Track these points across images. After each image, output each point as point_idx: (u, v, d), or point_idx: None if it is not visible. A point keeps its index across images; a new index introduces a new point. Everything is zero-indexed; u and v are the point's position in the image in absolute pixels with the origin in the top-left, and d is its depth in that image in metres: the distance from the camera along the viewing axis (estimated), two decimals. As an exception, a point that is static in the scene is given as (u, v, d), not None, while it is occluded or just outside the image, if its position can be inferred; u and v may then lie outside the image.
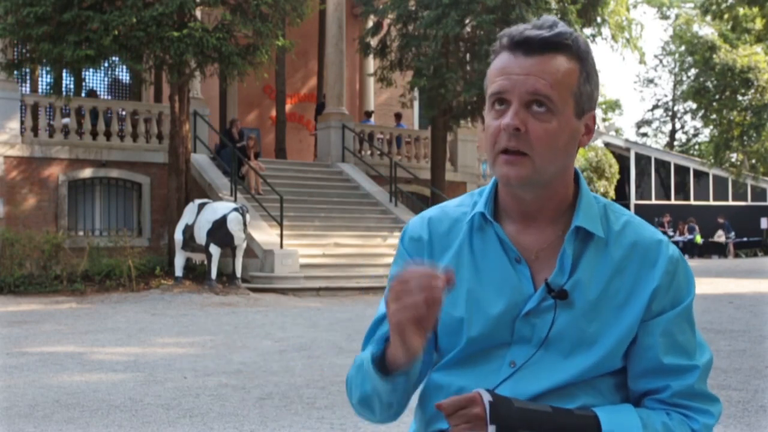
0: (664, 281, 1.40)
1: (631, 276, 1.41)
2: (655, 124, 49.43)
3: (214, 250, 13.28)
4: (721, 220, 30.43)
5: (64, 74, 16.69)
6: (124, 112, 17.18)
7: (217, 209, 13.35)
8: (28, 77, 17.38)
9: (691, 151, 45.20)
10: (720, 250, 30.27)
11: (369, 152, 19.88)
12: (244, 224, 13.27)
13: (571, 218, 1.43)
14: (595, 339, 1.39)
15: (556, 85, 1.35)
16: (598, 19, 19.48)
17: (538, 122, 1.35)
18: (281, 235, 14.07)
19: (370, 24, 19.79)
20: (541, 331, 1.40)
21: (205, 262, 13.61)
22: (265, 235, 14.53)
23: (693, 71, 32.39)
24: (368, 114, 21.99)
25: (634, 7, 38.03)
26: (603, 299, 1.39)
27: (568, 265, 1.40)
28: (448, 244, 1.50)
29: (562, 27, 1.38)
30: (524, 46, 1.37)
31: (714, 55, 28.15)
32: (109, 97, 20.68)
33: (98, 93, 19.80)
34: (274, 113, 21.42)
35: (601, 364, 1.39)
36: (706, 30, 31.67)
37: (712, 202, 32.97)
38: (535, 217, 1.44)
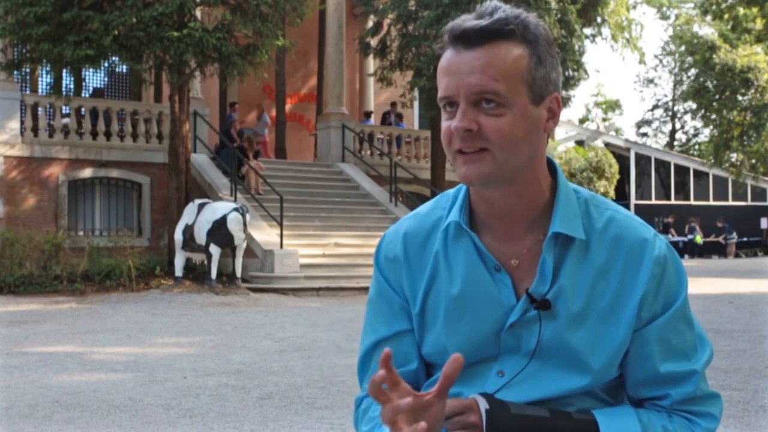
0: (651, 286, 1.33)
1: (615, 279, 1.34)
2: (655, 124, 49.45)
3: (214, 250, 13.28)
4: (719, 224, 30.42)
5: (64, 74, 16.69)
6: (124, 112, 17.18)
7: (217, 209, 13.35)
8: (28, 77, 17.37)
9: (691, 151, 45.19)
10: (720, 250, 30.28)
11: (369, 152, 19.89)
12: (244, 224, 13.27)
13: (550, 220, 1.34)
14: (584, 350, 1.33)
15: (502, 77, 1.26)
16: (598, 19, 19.50)
17: (491, 118, 1.26)
18: (281, 235, 14.07)
19: (370, 24, 19.80)
20: (528, 341, 1.34)
21: (205, 262, 13.60)
22: (265, 235, 14.53)
23: (693, 71, 32.36)
24: (368, 114, 21.97)
25: (634, 7, 38.01)
26: (587, 306, 1.33)
27: (549, 272, 1.33)
28: (425, 260, 1.42)
29: (502, 12, 1.28)
30: (464, 39, 1.28)
31: (714, 55, 28.14)
32: (110, 97, 20.67)
33: (102, 91, 19.75)
34: (274, 113, 21.43)
35: (596, 380, 1.34)
36: (706, 30, 31.62)
37: (712, 202, 32.98)
38: (510, 218, 1.36)
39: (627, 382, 1.39)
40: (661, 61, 47.74)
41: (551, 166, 1.39)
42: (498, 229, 1.37)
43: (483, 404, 1.29)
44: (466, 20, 1.29)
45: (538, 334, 1.33)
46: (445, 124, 1.31)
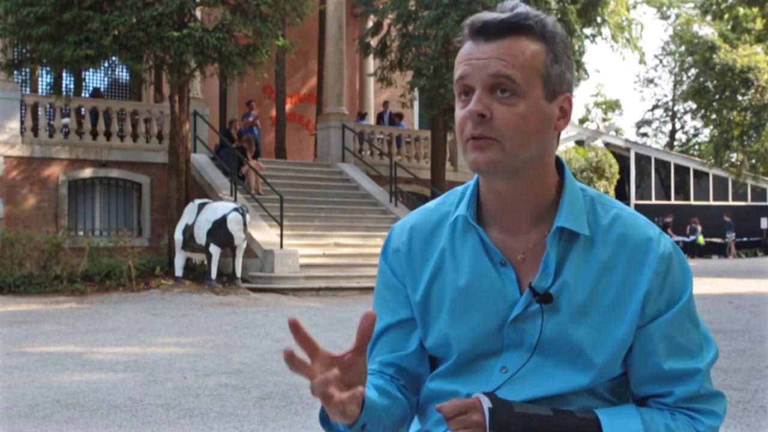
0: (655, 283, 1.33)
1: (619, 276, 1.34)
2: (655, 124, 49.49)
3: (214, 250, 13.28)
4: (727, 219, 30.39)
5: (64, 74, 16.70)
6: (124, 112, 17.18)
7: (217, 209, 13.36)
8: (28, 77, 17.38)
9: (691, 151, 45.20)
10: (720, 250, 30.28)
11: (369, 152, 19.89)
12: (244, 224, 13.27)
13: (555, 216, 1.35)
14: (587, 346, 1.33)
15: (519, 66, 1.28)
16: (598, 19, 19.49)
17: (504, 107, 1.28)
18: (281, 235, 14.07)
19: (370, 24, 19.81)
20: (531, 336, 1.35)
21: (205, 262, 13.61)
22: (265, 235, 14.53)
23: (693, 71, 32.39)
24: (362, 115, 21.94)
25: (634, 7, 38.00)
26: (591, 301, 1.33)
27: (552, 267, 1.34)
28: (429, 253, 1.44)
29: (522, 8, 1.32)
30: (484, 32, 1.31)
31: (714, 55, 28.16)
32: (110, 97, 20.67)
33: (101, 92, 19.77)
34: (274, 113, 21.43)
35: (599, 376, 1.34)
36: (706, 30, 31.65)
37: (712, 202, 32.98)
38: (517, 212, 1.37)
39: (631, 379, 1.39)
40: (661, 61, 47.80)
41: (559, 164, 1.40)
42: (505, 223, 1.38)
43: (486, 403, 1.30)
44: (487, 14, 1.32)
45: (541, 328, 1.34)
46: (460, 112, 1.32)
